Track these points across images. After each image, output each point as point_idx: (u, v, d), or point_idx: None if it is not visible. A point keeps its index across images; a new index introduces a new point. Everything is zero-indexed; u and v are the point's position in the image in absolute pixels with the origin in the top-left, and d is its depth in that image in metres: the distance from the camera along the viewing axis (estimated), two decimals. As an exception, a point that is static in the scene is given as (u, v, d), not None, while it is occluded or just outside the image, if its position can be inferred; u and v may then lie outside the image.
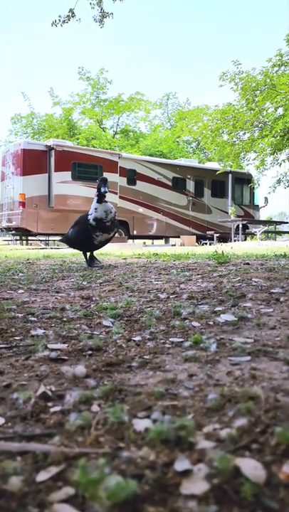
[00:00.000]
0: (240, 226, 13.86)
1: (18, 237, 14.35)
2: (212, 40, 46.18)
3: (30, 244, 14.46)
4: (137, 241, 14.85)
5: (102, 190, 4.21)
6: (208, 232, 15.34)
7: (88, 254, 4.62)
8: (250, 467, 0.61)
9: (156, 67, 47.20)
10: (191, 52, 46.93)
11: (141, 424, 0.76)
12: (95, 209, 4.21)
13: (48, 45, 44.84)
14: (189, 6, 42.98)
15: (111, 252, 7.30)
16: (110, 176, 13.97)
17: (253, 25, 45.97)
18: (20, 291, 2.64)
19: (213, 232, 14.98)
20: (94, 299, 2.29)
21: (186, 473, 0.61)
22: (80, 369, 1.05)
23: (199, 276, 3.25)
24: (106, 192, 4.21)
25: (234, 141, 13.27)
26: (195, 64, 48.26)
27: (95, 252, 4.85)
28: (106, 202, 4.27)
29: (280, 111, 12.14)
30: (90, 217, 4.22)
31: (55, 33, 46.05)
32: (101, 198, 4.22)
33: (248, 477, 0.59)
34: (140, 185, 14.70)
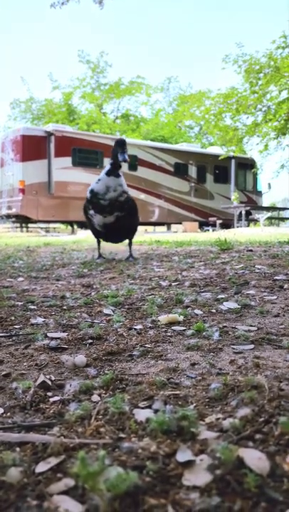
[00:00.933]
0: (243, 212, 13.78)
1: (18, 225, 14.32)
2: (215, 21, 45.18)
3: (31, 232, 14.44)
4: (138, 228, 14.79)
5: (120, 158, 3.19)
6: (210, 219, 15.26)
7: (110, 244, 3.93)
8: (254, 458, 0.60)
9: (158, 54, 46.33)
10: (193, 39, 46.01)
11: (142, 414, 0.75)
12: (98, 180, 3.40)
13: (47, 28, 43.98)
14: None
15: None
16: (111, 162, 13.83)
17: (259, 7, 44.85)
18: (20, 279, 2.63)
19: (215, 218, 14.90)
20: (94, 286, 2.28)
21: (188, 464, 0.60)
22: (80, 358, 1.04)
23: (202, 263, 3.24)
24: (125, 161, 3.19)
25: (237, 126, 13.08)
26: (197, 49, 47.35)
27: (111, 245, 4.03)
28: (119, 176, 3.36)
29: (284, 94, 11.93)
30: (89, 188, 3.44)
31: (56, 16, 45.11)
32: (114, 168, 3.34)
33: (252, 468, 0.58)
34: (141, 171, 14.58)
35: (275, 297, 1.85)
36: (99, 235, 3.72)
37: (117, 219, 3.40)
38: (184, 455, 0.62)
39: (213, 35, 45.57)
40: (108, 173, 3.36)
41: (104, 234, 3.65)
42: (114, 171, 3.35)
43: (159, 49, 46.51)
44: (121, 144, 3.24)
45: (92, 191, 3.36)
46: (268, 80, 11.69)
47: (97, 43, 43.86)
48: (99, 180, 3.38)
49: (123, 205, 3.38)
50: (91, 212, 3.43)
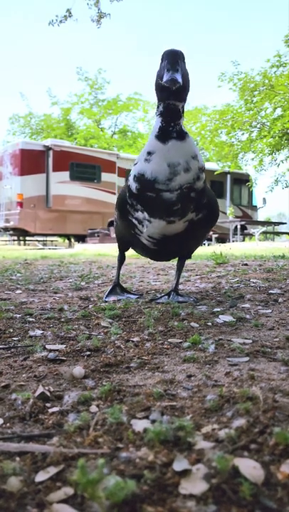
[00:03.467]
0: (239, 227, 13.88)
1: (15, 238, 14.34)
2: (211, 39, 46.37)
3: (28, 245, 14.45)
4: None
5: (166, 77, 1.60)
6: (206, 233, 15.30)
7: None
8: (249, 467, 0.61)
9: (155, 68, 47.32)
10: (191, 52, 47.21)
11: (140, 424, 0.76)
12: (147, 154, 1.76)
13: (46, 45, 44.88)
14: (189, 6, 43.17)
15: (108, 252, 7.29)
16: (108, 177, 14.00)
17: (253, 26, 46.13)
18: (18, 291, 2.64)
19: (211, 232, 14.98)
20: (92, 299, 2.29)
21: (185, 473, 0.61)
22: (79, 370, 1.06)
23: (198, 277, 3.26)
24: (175, 83, 1.59)
25: (232, 142, 13.30)
26: (194, 64, 48.51)
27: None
28: (184, 137, 1.74)
29: (279, 111, 12.18)
30: (132, 172, 1.86)
31: (54, 33, 46.11)
32: (171, 120, 1.73)
33: (247, 477, 0.59)
34: None
35: (269, 311, 1.87)
36: (142, 252, 2.19)
37: (190, 226, 1.87)
38: (180, 464, 0.63)
39: (209, 52, 46.66)
40: (162, 135, 1.74)
41: (154, 252, 2.10)
42: (173, 129, 1.73)
43: (156, 66, 47.42)
44: (171, 56, 1.64)
45: (141, 177, 1.77)
46: (263, 97, 11.97)
47: (95, 60, 44.74)
48: (149, 154, 1.74)
49: (202, 196, 1.83)
50: (139, 215, 1.86)
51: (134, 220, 1.91)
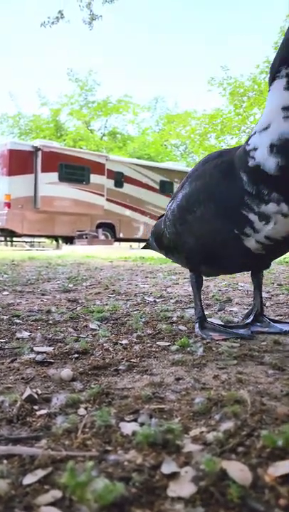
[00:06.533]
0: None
1: (2, 238, 14.19)
2: (200, 45, 46.81)
3: (15, 246, 14.31)
4: (123, 244, 14.84)
5: None
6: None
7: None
8: (237, 470, 0.62)
9: (146, 71, 47.54)
10: (180, 57, 47.49)
11: (128, 427, 0.76)
12: (286, 110, 1.13)
13: (36, 45, 44.62)
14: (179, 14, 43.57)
15: (96, 254, 7.27)
16: (97, 178, 13.96)
17: (243, 31, 46.76)
18: (5, 292, 2.61)
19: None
20: (80, 301, 2.28)
21: (173, 476, 0.62)
22: (67, 372, 1.05)
23: (186, 279, 3.27)
24: None
25: (222, 146, 13.44)
26: (184, 69, 48.82)
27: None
28: None
29: (267, 117, 12.34)
30: (265, 141, 1.17)
31: (45, 33, 45.95)
32: None
33: (235, 479, 0.60)
34: (127, 188, 14.72)
35: (257, 314, 1.89)
36: (233, 264, 1.56)
37: None
38: (169, 467, 0.64)
39: (200, 55, 47.04)
40: None
41: (247, 262, 1.51)
42: None
43: (147, 69, 47.65)
44: None
45: (287, 145, 1.13)
46: (252, 102, 12.14)
47: (86, 61, 44.73)
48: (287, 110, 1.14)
49: None
50: (269, 208, 1.21)
51: (251, 216, 1.24)
